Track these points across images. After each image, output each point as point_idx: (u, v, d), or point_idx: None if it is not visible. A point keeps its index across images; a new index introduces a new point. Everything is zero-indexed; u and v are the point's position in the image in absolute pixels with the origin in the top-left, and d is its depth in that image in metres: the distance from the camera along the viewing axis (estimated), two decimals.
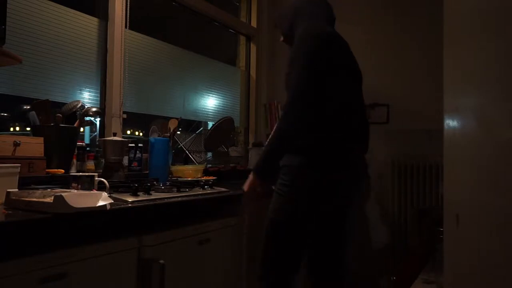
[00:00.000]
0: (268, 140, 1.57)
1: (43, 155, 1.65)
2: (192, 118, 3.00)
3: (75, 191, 1.35)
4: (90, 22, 2.20)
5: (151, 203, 1.46)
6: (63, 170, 1.71)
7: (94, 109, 1.96)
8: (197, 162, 2.56)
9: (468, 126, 2.07)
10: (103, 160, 1.94)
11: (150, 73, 2.58)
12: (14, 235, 1.04)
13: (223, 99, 3.24)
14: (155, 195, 1.57)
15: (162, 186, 1.78)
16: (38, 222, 1.09)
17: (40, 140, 1.66)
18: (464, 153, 2.07)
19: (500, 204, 1.96)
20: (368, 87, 3.03)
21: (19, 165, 1.37)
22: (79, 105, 1.93)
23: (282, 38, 1.79)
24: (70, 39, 2.09)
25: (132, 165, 2.10)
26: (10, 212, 1.15)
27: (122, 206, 1.36)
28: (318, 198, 1.54)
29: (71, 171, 1.81)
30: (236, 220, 1.85)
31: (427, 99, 2.82)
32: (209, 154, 2.97)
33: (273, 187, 1.61)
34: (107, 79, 2.26)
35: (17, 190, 1.29)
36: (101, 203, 1.21)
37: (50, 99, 1.86)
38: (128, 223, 1.37)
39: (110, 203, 1.26)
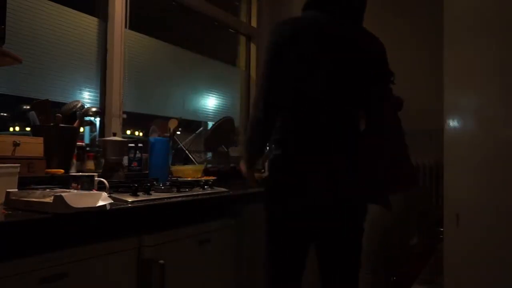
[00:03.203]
0: None
1: (42, 155, 1.65)
2: (192, 118, 3.00)
3: (75, 191, 1.35)
4: (90, 22, 2.20)
5: (151, 203, 1.46)
6: (63, 170, 1.71)
7: (93, 109, 1.96)
8: (197, 162, 2.56)
9: (468, 126, 2.07)
10: (103, 160, 1.94)
11: (150, 73, 2.58)
12: (14, 235, 1.04)
13: (223, 99, 3.24)
14: (155, 195, 1.57)
15: (162, 186, 1.78)
16: (38, 222, 1.09)
17: (40, 140, 1.66)
18: (464, 153, 2.07)
19: (500, 204, 1.96)
20: None
21: (19, 165, 1.36)
22: (79, 105, 1.93)
23: None
24: (70, 39, 2.09)
25: (132, 165, 2.10)
26: (10, 212, 1.15)
27: (122, 206, 1.36)
28: (296, 189, 1.45)
29: (71, 171, 1.80)
30: (236, 220, 1.85)
31: (427, 99, 2.82)
32: (209, 154, 2.97)
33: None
34: (107, 79, 2.26)
35: (16, 190, 1.28)
36: (101, 203, 1.21)
37: (50, 99, 1.86)
38: (128, 223, 1.37)
39: (110, 203, 1.26)
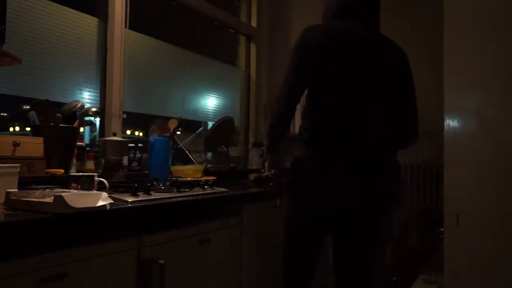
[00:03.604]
0: None
1: (42, 155, 1.65)
2: (192, 118, 3.01)
3: (75, 191, 1.35)
4: (90, 22, 2.20)
5: (151, 203, 1.46)
6: (62, 170, 1.71)
7: (93, 109, 1.96)
8: (197, 162, 2.56)
9: (468, 126, 2.07)
10: (103, 160, 1.94)
11: (150, 73, 2.58)
12: (14, 235, 1.04)
13: (223, 99, 3.24)
14: (155, 195, 1.56)
15: (162, 186, 1.78)
16: (38, 222, 1.09)
17: (40, 140, 1.66)
18: (464, 153, 2.07)
19: (500, 204, 1.96)
20: None
21: (19, 165, 1.36)
22: (79, 105, 1.93)
23: None
24: (70, 39, 2.09)
25: (132, 165, 2.10)
26: (10, 212, 1.15)
27: (122, 206, 1.36)
28: (319, 190, 1.54)
29: (71, 171, 1.81)
30: (236, 220, 1.85)
31: (427, 99, 2.81)
32: (209, 154, 2.97)
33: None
34: (107, 79, 2.26)
35: (16, 190, 1.28)
36: (101, 203, 1.21)
37: (50, 99, 1.86)
38: (128, 223, 1.37)
39: (110, 203, 1.26)
